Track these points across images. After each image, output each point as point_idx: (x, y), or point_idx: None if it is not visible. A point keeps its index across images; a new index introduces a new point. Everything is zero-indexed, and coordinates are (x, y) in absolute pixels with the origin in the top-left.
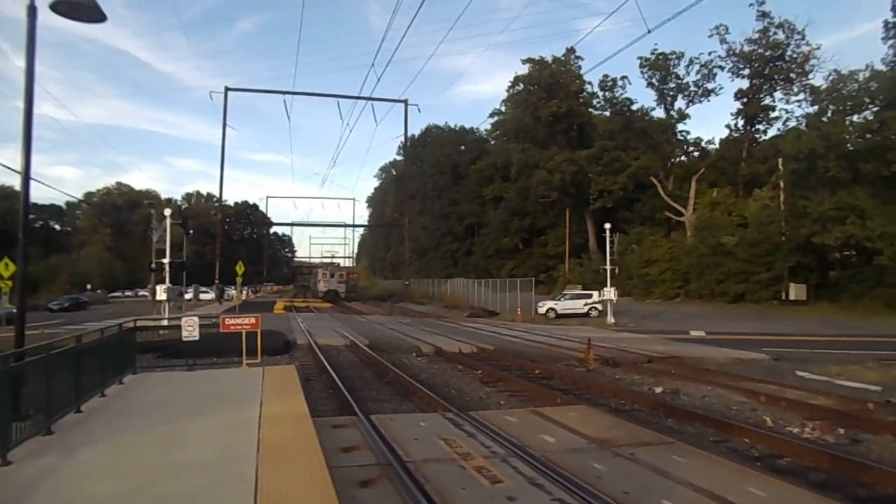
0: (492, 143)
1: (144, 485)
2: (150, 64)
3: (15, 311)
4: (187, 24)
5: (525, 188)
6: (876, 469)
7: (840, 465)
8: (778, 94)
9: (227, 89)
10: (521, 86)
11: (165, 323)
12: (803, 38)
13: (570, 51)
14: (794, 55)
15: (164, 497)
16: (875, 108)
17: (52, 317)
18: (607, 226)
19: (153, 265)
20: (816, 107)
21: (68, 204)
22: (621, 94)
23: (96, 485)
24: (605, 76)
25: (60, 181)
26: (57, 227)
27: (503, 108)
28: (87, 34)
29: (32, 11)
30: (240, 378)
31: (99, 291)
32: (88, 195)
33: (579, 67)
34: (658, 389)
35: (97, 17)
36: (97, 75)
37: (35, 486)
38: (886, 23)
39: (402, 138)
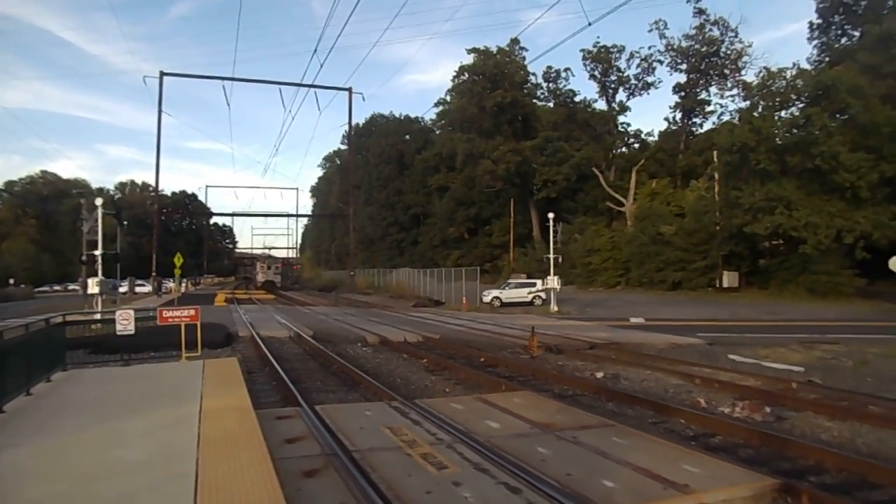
0: (437, 132)
1: (76, 488)
2: (76, 45)
3: None
4: (116, 4)
5: (470, 178)
6: (798, 443)
7: (767, 441)
8: (713, 89)
9: (162, 74)
10: (466, 75)
11: (98, 317)
12: (736, 36)
13: (515, 41)
14: (728, 52)
15: (100, 499)
16: (801, 105)
17: None
18: (551, 216)
19: (84, 257)
20: (748, 102)
21: None
22: (565, 86)
23: (26, 489)
24: (549, 67)
25: None
26: None
27: (448, 98)
28: (2, 10)
29: None
30: (179, 372)
31: (23, 286)
32: (9, 184)
33: (523, 58)
34: (600, 375)
35: None
36: (16, 56)
37: None
38: (811, 24)
39: (347, 127)
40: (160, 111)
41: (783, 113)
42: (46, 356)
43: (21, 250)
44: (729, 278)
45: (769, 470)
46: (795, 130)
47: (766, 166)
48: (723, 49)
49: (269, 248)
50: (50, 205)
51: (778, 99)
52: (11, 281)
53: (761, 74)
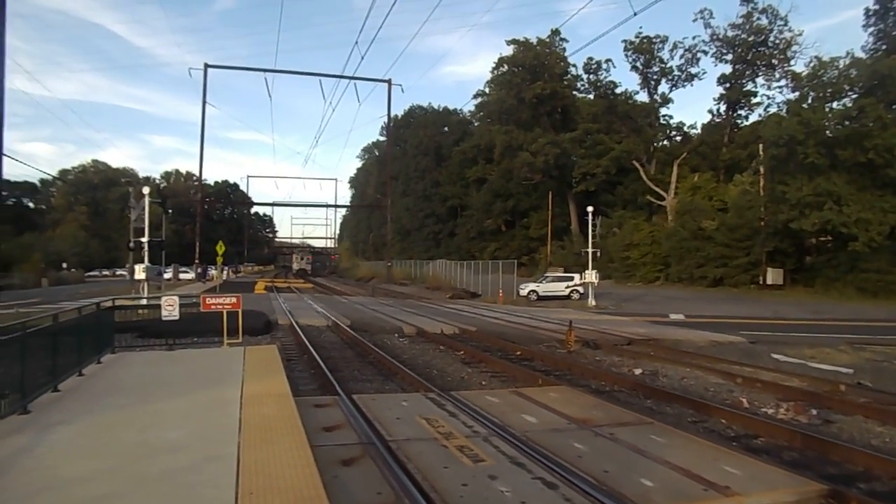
0: (475, 124)
1: (122, 465)
2: (125, 38)
3: None
4: None
5: (508, 170)
6: (846, 448)
7: (812, 445)
8: (760, 80)
9: (206, 66)
10: (506, 67)
11: (144, 302)
12: (786, 24)
13: (555, 32)
14: (777, 41)
15: (143, 477)
16: (854, 96)
17: (27, 295)
18: (590, 209)
19: (131, 244)
20: (797, 93)
21: (42, 181)
22: (605, 78)
23: (73, 464)
24: (590, 59)
25: (33, 158)
26: (31, 204)
27: (487, 90)
28: (58, 6)
29: None
30: (221, 358)
31: (74, 270)
32: (63, 172)
33: (564, 49)
34: (638, 371)
35: None
36: (70, 49)
37: (10, 465)
38: (867, 10)
39: (385, 118)
40: (204, 102)
41: (834, 104)
42: (97, 338)
43: (72, 236)
44: (773, 275)
45: (815, 474)
46: (847, 123)
47: (815, 160)
48: (771, 38)
49: (307, 238)
50: (99, 193)
51: (829, 90)
52: (64, 265)
53: (812, 64)
